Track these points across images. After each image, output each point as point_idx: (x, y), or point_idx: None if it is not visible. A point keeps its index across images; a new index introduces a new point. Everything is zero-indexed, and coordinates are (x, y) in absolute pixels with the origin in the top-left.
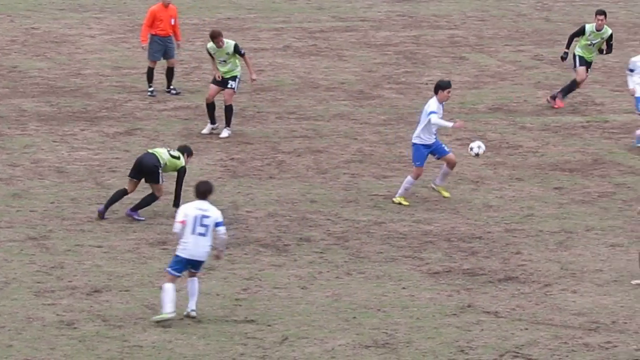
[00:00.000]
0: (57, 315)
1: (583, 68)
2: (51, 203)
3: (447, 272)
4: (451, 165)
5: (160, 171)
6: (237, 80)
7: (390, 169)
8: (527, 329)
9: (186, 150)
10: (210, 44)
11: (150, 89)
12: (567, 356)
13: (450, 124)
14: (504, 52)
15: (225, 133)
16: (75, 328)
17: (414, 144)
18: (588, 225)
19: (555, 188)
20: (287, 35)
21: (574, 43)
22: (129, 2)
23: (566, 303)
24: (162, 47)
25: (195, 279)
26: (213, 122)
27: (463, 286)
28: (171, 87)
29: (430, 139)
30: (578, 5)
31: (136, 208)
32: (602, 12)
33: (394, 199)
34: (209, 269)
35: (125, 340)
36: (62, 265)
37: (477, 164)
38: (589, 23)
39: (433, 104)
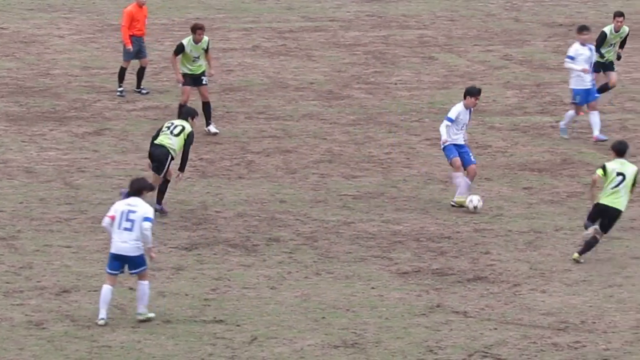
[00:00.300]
0: (26, 315)
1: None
2: (20, 203)
3: (416, 272)
4: (471, 176)
5: (166, 165)
6: (206, 74)
7: (360, 169)
8: (496, 328)
9: (189, 114)
10: (188, 40)
11: (120, 89)
12: (536, 356)
13: (445, 137)
14: (473, 52)
15: (214, 128)
16: (44, 328)
17: (445, 146)
18: (557, 225)
19: (524, 188)
20: (256, 35)
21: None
22: (98, 2)
23: (535, 303)
24: (137, 47)
25: (145, 283)
26: None
27: (432, 286)
28: (141, 87)
29: (458, 139)
30: (547, 5)
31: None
32: (620, 14)
33: (453, 201)
34: (178, 269)
35: (94, 340)
36: (31, 265)
37: (446, 163)
38: (605, 27)
39: (455, 109)
